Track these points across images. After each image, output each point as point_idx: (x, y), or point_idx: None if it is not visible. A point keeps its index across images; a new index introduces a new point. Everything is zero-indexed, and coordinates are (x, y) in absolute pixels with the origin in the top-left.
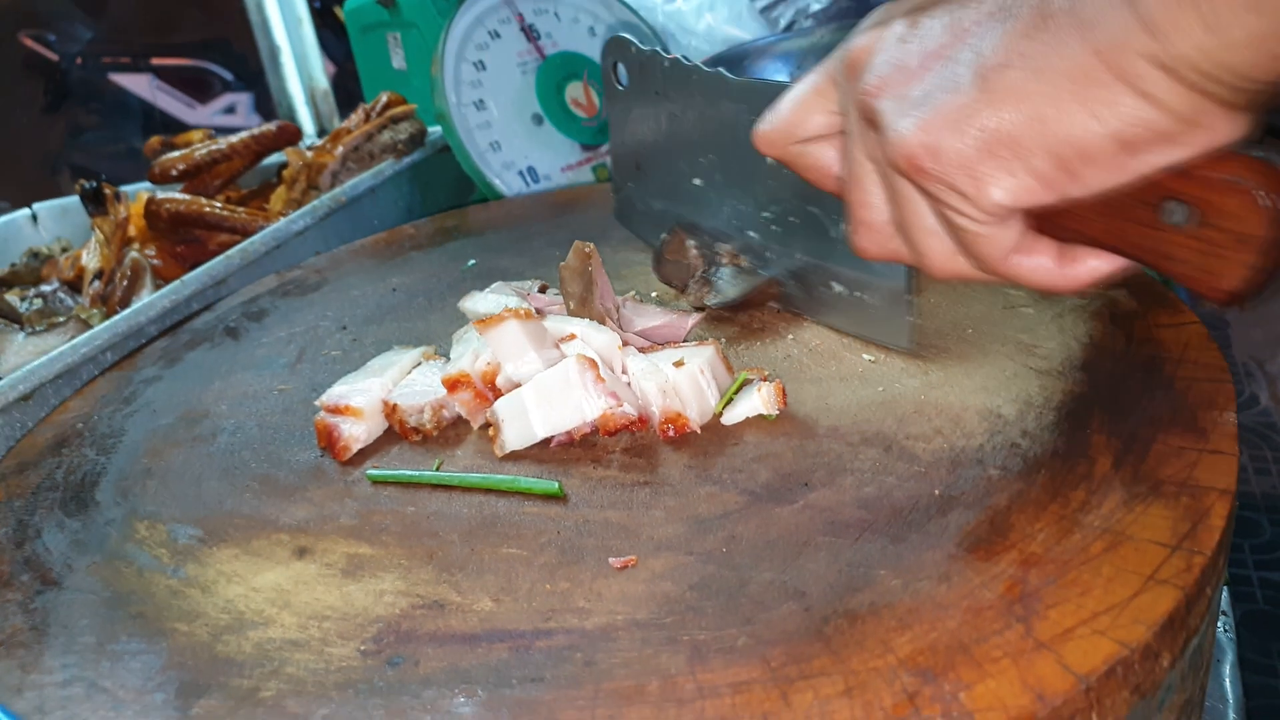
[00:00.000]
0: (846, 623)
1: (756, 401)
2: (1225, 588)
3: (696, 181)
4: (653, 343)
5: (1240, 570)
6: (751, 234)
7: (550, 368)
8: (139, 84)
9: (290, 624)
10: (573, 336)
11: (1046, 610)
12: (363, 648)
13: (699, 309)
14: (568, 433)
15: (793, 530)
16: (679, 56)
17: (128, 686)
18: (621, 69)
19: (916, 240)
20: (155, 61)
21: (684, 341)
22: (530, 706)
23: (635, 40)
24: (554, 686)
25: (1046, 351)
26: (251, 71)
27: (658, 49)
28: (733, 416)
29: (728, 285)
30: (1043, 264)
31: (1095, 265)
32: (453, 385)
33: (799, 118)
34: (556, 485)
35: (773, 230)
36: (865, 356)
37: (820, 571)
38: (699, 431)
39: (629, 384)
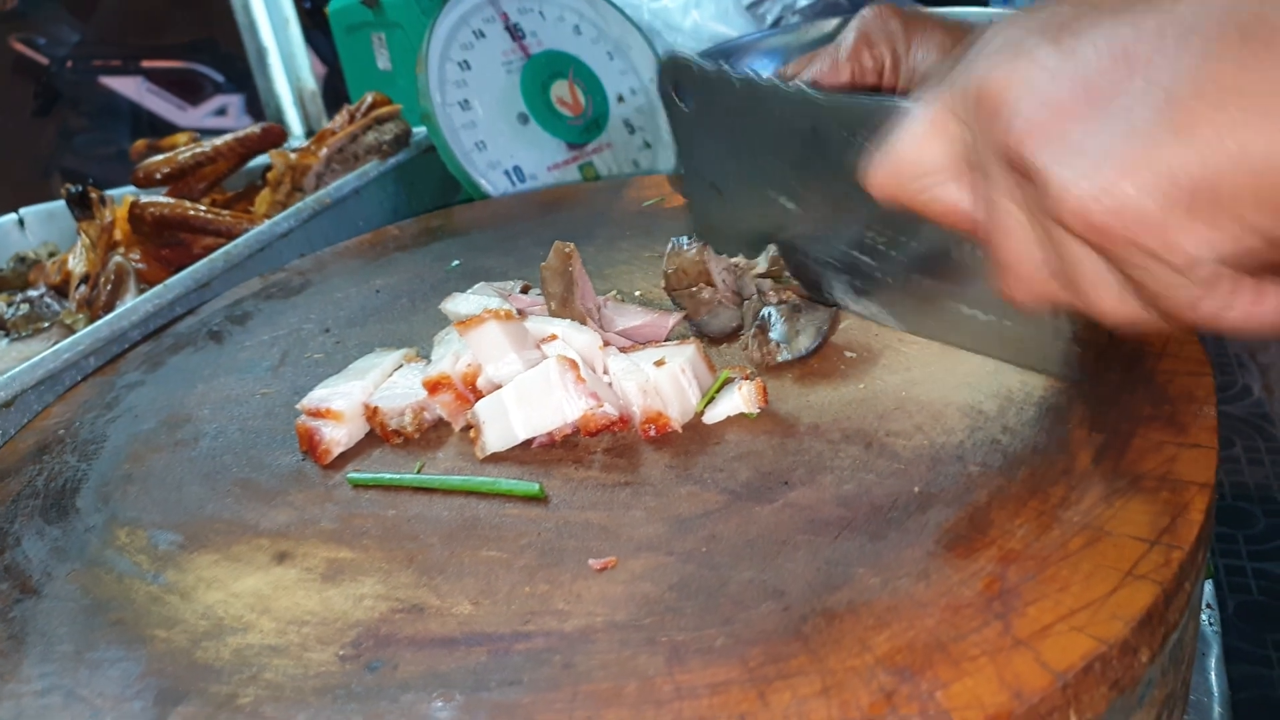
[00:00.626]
0: (824, 621)
1: (738, 400)
2: (1208, 581)
3: (787, 204)
4: (634, 342)
5: (1234, 561)
6: (859, 255)
7: (530, 369)
8: (129, 87)
9: (269, 629)
10: (554, 337)
11: (1025, 607)
12: (341, 652)
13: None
14: (549, 434)
15: (772, 529)
16: (750, 73)
17: (105, 694)
18: (684, 90)
19: (1086, 293)
20: (145, 64)
21: (665, 341)
22: (508, 710)
23: (695, 59)
24: (532, 689)
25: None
26: (242, 73)
27: (723, 66)
28: (714, 415)
29: (791, 331)
30: (1254, 311)
31: None
32: (433, 387)
33: (918, 158)
34: (537, 487)
35: (883, 252)
36: (847, 354)
37: (799, 570)
38: (680, 431)
39: (610, 384)
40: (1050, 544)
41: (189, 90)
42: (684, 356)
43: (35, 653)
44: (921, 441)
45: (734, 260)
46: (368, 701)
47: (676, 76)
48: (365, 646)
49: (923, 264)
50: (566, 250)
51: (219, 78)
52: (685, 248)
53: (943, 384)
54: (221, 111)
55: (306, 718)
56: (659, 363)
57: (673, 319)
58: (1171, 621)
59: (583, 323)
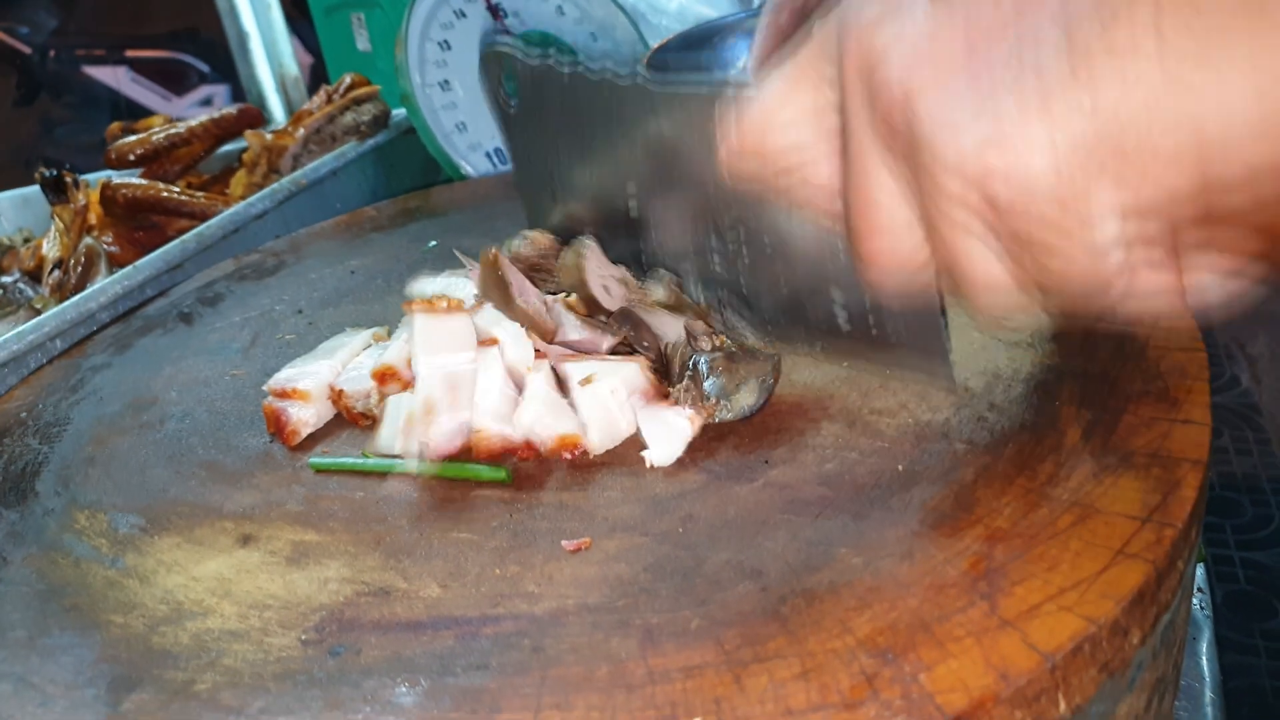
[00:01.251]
0: (804, 602)
1: (683, 431)
2: (1201, 564)
3: (632, 209)
4: (576, 352)
5: (1222, 550)
6: (717, 262)
7: (434, 373)
8: (113, 76)
9: (230, 614)
10: (494, 342)
11: (1012, 587)
12: (304, 637)
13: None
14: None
15: (752, 509)
16: (578, 65)
17: (57, 681)
18: (509, 88)
19: (967, 278)
20: (129, 53)
21: (607, 354)
22: (474, 695)
23: (518, 50)
24: (499, 674)
25: (1015, 323)
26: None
27: (550, 57)
28: (658, 457)
29: (730, 384)
30: (1160, 288)
31: (1223, 278)
32: (381, 377)
33: (778, 128)
34: (504, 471)
35: (744, 259)
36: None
37: (779, 550)
38: (594, 457)
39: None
40: (1038, 522)
41: (173, 80)
42: (618, 375)
43: None
44: (906, 420)
45: (619, 274)
46: (329, 687)
47: (501, 73)
48: (329, 631)
49: (788, 266)
50: (490, 257)
51: (204, 67)
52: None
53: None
54: (207, 101)
55: (265, 704)
56: (585, 380)
57: (610, 338)
58: (1164, 602)
59: (532, 323)
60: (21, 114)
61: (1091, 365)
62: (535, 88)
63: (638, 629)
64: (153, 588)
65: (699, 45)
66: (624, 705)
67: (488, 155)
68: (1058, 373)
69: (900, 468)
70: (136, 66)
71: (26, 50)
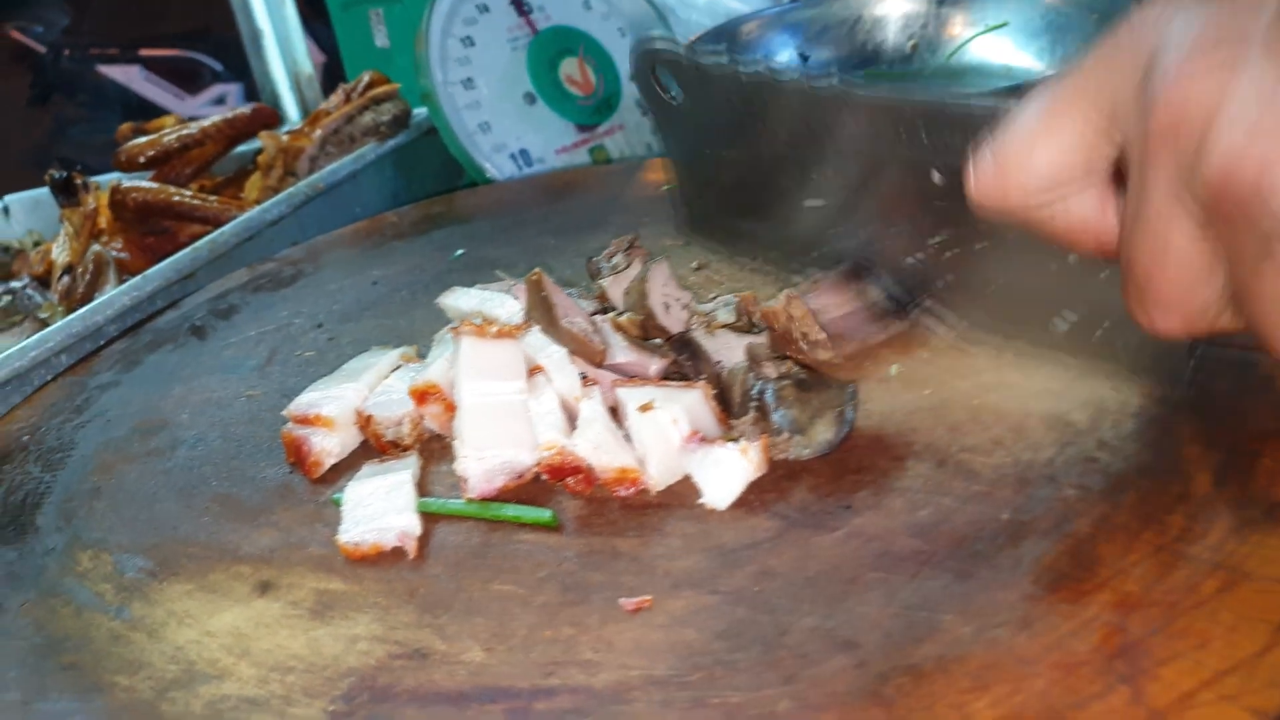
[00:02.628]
0: (910, 682)
1: (741, 468)
2: None
3: (812, 203)
4: (625, 377)
5: None
6: (912, 260)
7: (482, 400)
8: (127, 75)
9: (249, 677)
10: (538, 370)
11: (1156, 668)
12: (331, 708)
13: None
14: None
15: (837, 564)
16: (763, 65)
17: None
18: (667, 77)
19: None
20: (143, 52)
21: (662, 379)
22: None
23: (676, 51)
24: None
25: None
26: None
27: (724, 56)
28: (715, 498)
29: (803, 417)
30: None
31: None
32: (420, 396)
33: (1043, 162)
34: (550, 514)
35: (946, 257)
36: (891, 370)
37: (873, 616)
38: (652, 493)
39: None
40: (1176, 587)
41: (187, 79)
42: (681, 403)
43: None
44: (1004, 459)
45: (684, 298)
46: None
47: (658, 62)
48: (359, 701)
49: (1003, 269)
50: (534, 278)
51: (217, 66)
52: (613, 265)
53: (1021, 391)
54: (220, 100)
55: None
56: (644, 407)
57: (659, 360)
58: None
59: (577, 344)
60: (36, 113)
61: (1210, 399)
62: (702, 86)
63: (716, 709)
64: (162, 644)
65: (732, 40)
66: None
67: (512, 157)
68: (1171, 406)
69: (1005, 517)
70: (150, 65)
71: (40, 49)
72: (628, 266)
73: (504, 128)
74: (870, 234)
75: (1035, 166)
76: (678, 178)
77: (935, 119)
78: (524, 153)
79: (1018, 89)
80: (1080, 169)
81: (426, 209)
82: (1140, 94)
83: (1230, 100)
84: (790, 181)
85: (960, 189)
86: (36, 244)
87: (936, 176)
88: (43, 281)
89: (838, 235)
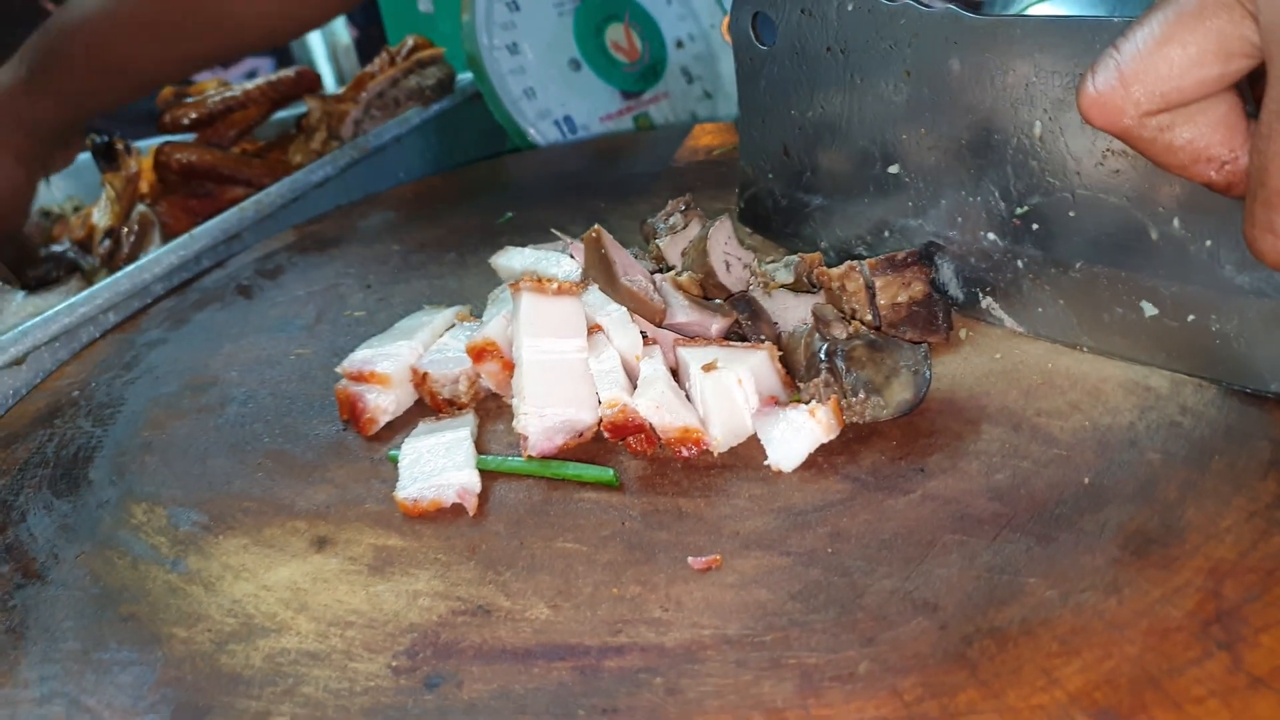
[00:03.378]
0: (994, 644)
1: (811, 432)
2: None
3: (892, 169)
4: (689, 337)
5: None
6: (991, 237)
7: (545, 357)
8: None
9: (308, 631)
10: (597, 329)
11: (1255, 635)
12: (394, 663)
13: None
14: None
15: (912, 526)
16: None
17: (115, 706)
18: (766, 21)
19: None
20: None
21: (728, 341)
22: None
23: None
24: (630, 719)
25: None
26: None
27: None
28: (783, 459)
29: (879, 377)
30: None
31: None
32: (478, 354)
33: (1175, 70)
34: (611, 473)
35: (1031, 232)
36: (961, 333)
37: (953, 579)
38: (714, 454)
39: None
40: (1273, 554)
41: None
42: (746, 364)
43: (36, 650)
44: (1081, 422)
45: (745, 257)
46: None
47: (760, 3)
48: (422, 657)
49: (1089, 246)
50: (594, 235)
51: None
52: (671, 224)
53: (1093, 354)
54: (252, 74)
55: None
56: (708, 367)
57: (720, 320)
58: None
59: (636, 301)
60: None
61: None
62: (798, 26)
63: (793, 670)
64: (219, 596)
65: None
66: None
67: (556, 124)
68: None
69: (1086, 480)
70: None
71: None
72: (685, 227)
73: (549, 94)
74: (951, 206)
75: (1165, 70)
76: (748, 147)
77: (1047, 49)
78: (568, 119)
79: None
80: (1215, 72)
81: (472, 172)
82: None
83: None
84: (872, 141)
85: (1061, 141)
86: (76, 209)
87: (1038, 127)
88: (84, 246)
89: (915, 209)
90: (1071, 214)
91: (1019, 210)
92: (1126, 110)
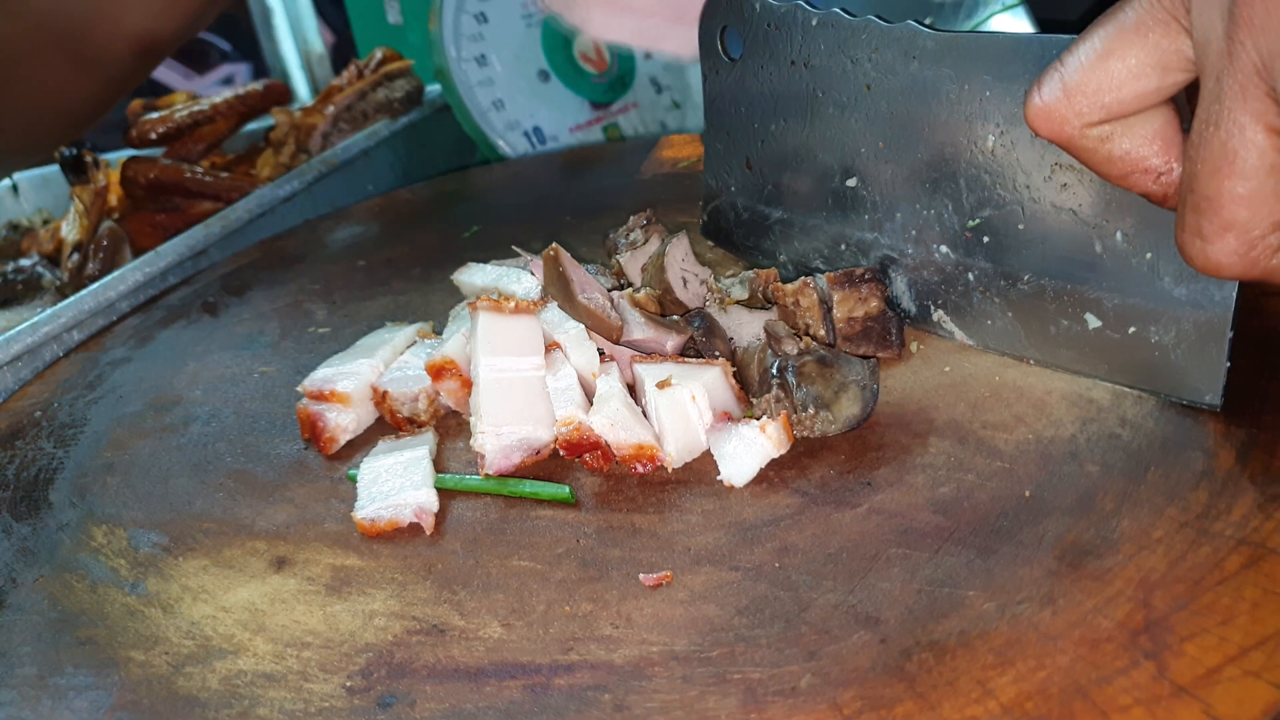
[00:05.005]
0: (932, 657)
1: (761, 448)
2: None
3: (850, 182)
4: (646, 353)
5: None
6: (944, 249)
7: (499, 375)
8: None
9: (265, 653)
10: (555, 347)
11: (1181, 644)
12: (349, 683)
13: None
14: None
15: (858, 540)
16: (837, 8)
17: None
18: (733, 35)
19: None
20: None
21: (684, 357)
22: None
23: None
24: None
25: None
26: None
27: (797, 3)
28: (734, 475)
29: (828, 392)
30: None
31: None
32: (437, 372)
33: (1115, 83)
34: (567, 490)
35: (983, 245)
36: (912, 346)
37: (895, 592)
38: (669, 470)
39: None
40: (1200, 564)
41: (195, 58)
42: (700, 380)
43: None
44: (1025, 435)
45: (702, 274)
46: None
47: (728, 19)
48: (377, 676)
49: (1038, 259)
50: (552, 254)
51: (226, 46)
52: (631, 240)
53: (1040, 369)
54: (228, 80)
55: None
56: (663, 384)
57: (676, 336)
58: None
59: (594, 318)
60: None
61: (1231, 375)
62: (765, 39)
63: (737, 685)
64: (177, 618)
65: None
66: None
67: (526, 135)
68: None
69: (1027, 493)
70: None
71: None
72: (645, 242)
73: (518, 105)
74: (906, 219)
75: (1106, 82)
76: (712, 159)
77: (1005, 64)
78: (537, 130)
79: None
80: (1153, 84)
81: (440, 186)
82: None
83: None
84: (832, 154)
85: (1012, 155)
86: (46, 222)
87: (991, 140)
88: (52, 259)
89: (871, 222)
90: (1021, 227)
91: (971, 223)
92: (1070, 120)
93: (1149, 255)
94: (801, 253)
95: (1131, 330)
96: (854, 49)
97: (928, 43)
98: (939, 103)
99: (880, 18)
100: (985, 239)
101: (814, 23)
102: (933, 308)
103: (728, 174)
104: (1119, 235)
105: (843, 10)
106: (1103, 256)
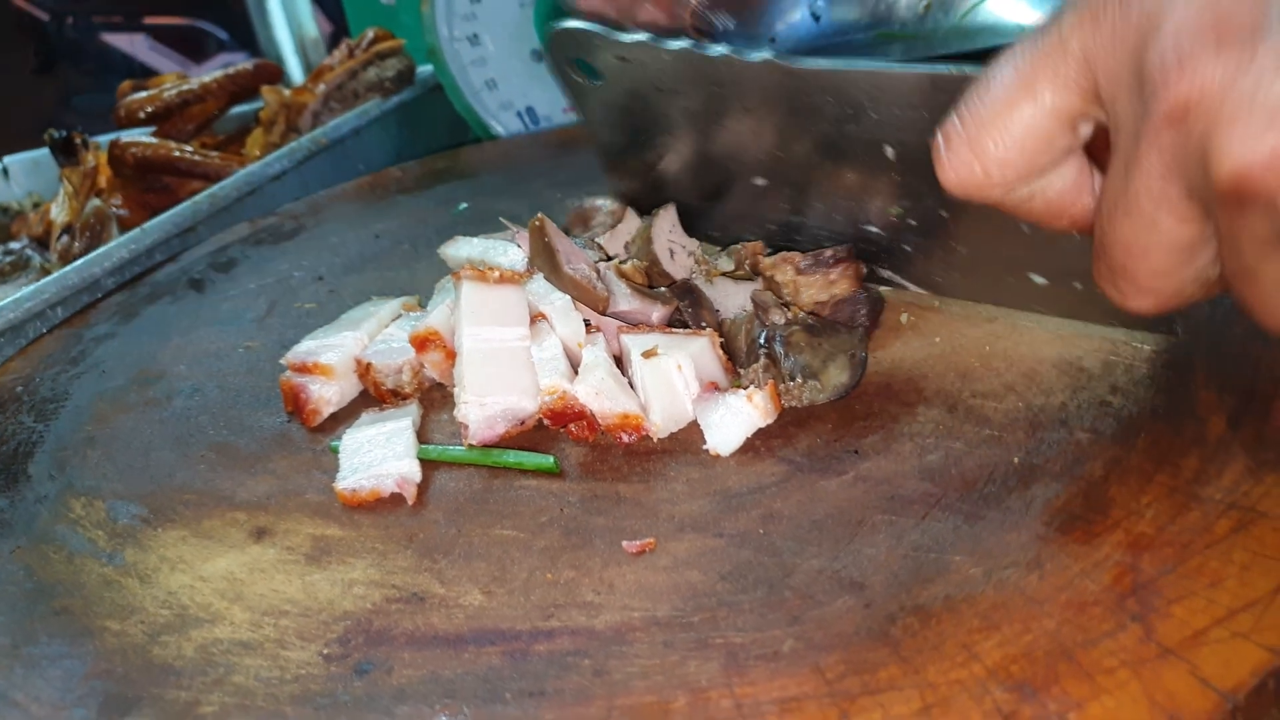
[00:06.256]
0: (917, 621)
1: (749, 417)
2: None
3: (758, 181)
4: (632, 324)
5: None
6: (872, 228)
7: (484, 346)
8: (132, 44)
9: (241, 621)
10: (540, 317)
11: (1168, 606)
12: (326, 651)
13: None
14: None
15: (843, 506)
16: (687, 44)
17: (43, 700)
18: (586, 65)
19: (1265, 288)
20: (148, 20)
21: (670, 328)
22: None
23: (598, 30)
24: (557, 702)
25: None
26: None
27: (644, 39)
28: (721, 443)
29: (815, 362)
30: None
31: None
32: (421, 343)
33: (1032, 143)
34: (551, 460)
35: (910, 226)
36: (902, 318)
37: (880, 558)
38: (654, 440)
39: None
40: (1190, 528)
41: (193, 48)
42: (686, 351)
43: None
44: (1015, 403)
45: (690, 246)
46: (356, 713)
47: (574, 50)
48: (354, 644)
49: (969, 238)
50: (537, 224)
51: (223, 35)
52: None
53: (1032, 338)
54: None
55: None
56: (648, 353)
57: (662, 307)
58: None
59: (580, 289)
60: (39, 82)
61: (1224, 343)
62: (624, 68)
63: (719, 650)
64: (154, 588)
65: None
66: None
67: (519, 115)
68: (1185, 351)
69: (1015, 460)
70: (155, 34)
71: (44, 17)
72: (617, 223)
73: (511, 85)
74: (827, 208)
75: (1012, 142)
76: (605, 156)
77: (884, 92)
78: (530, 110)
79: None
80: (1061, 142)
81: (431, 164)
82: (1134, 67)
83: (1246, 83)
84: (731, 158)
85: (915, 161)
86: (36, 205)
87: (890, 151)
88: (42, 242)
89: (792, 209)
90: (944, 213)
91: (893, 210)
92: (982, 179)
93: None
94: (731, 230)
95: (1078, 286)
96: (717, 78)
97: (796, 76)
98: (826, 123)
99: (738, 52)
100: (911, 222)
101: (666, 58)
102: (880, 269)
103: (627, 167)
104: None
105: (694, 46)
106: (1032, 233)
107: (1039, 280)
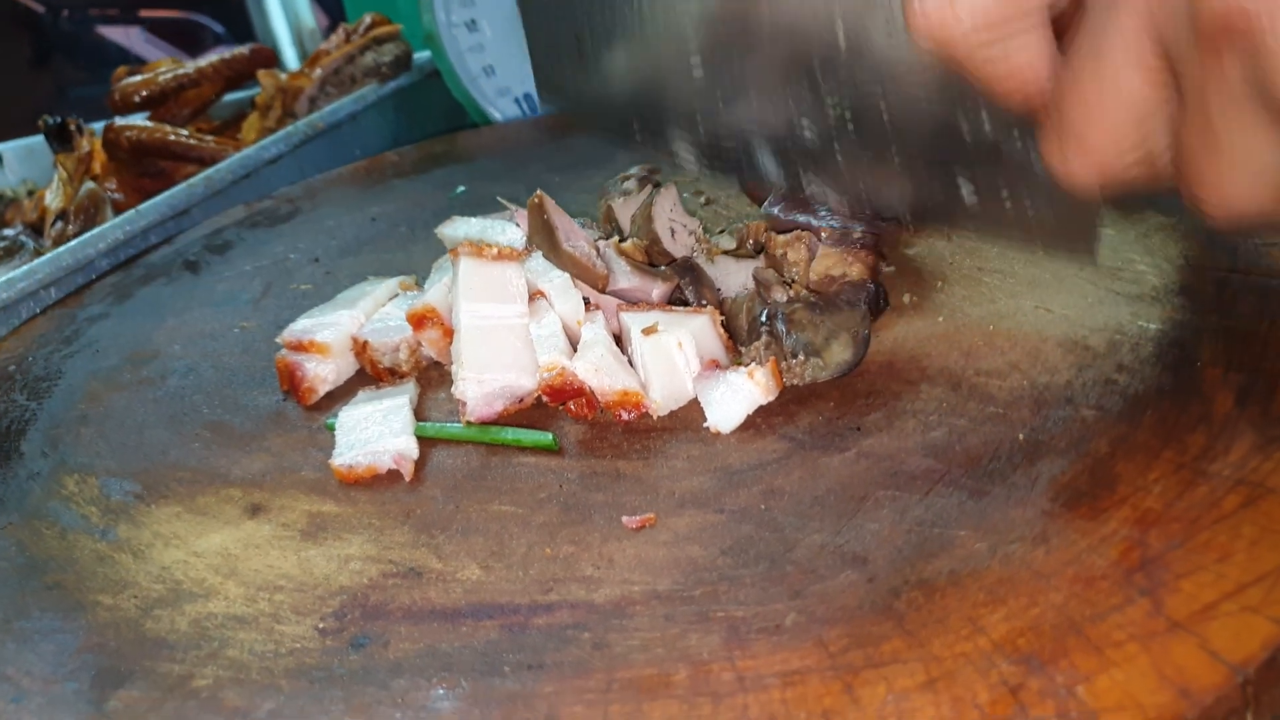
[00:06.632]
0: (922, 595)
1: (750, 394)
2: None
3: (696, 69)
4: (631, 302)
5: None
6: (807, 125)
7: (481, 322)
8: (128, 37)
9: (236, 596)
10: (539, 295)
11: (1177, 581)
12: (321, 625)
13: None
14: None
15: (846, 482)
16: None
17: (34, 674)
18: None
19: (1225, 170)
20: (144, 13)
21: (671, 305)
22: (526, 700)
23: None
24: (556, 675)
25: (1134, 274)
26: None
27: None
28: (721, 420)
29: (818, 339)
30: None
31: None
32: (418, 321)
33: (1005, 1)
34: (550, 437)
35: (847, 123)
36: (905, 298)
37: (884, 533)
38: (654, 417)
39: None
40: (1197, 503)
41: (188, 41)
42: (687, 328)
43: None
44: (1019, 381)
45: (691, 224)
46: (351, 687)
47: None
48: (350, 618)
49: (905, 137)
50: (536, 201)
51: (219, 28)
52: (624, 188)
53: (1036, 316)
54: None
55: (275, 706)
56: (648, 330)
57: (662, 285)
58: None
59: (579, 267)
60: (35, 75)
61: (1232, 321)
62: None
63: (720, 623)
64: (148, 564)
65: None
66: (711, 718)
67: (517, 101)
68: (1193, 330)
69: (1020, 437)
70: (150, 27)
71: (39, 9)
72: (639, 191)
73: (509, 71)
74: (763, 101)
75: (1007, 11)
76: (536, 48)
77: None
78: (528, 97)
79: None
80: (1036, 8)
81: (428, 148)
82: None
83: None
84: (672, 41)
85: (866, 51)
86: (30, 193)
87: (840, 37)
88: (36, 229)
89: (725, 98)
90: (884, 108)
91: (831, 101)
92: (953, 29)
93: (1016, 134)
94: (655, 131)
95: (1005, 199)
96: None
97: None
98: (774, 5)
99: None
100: (848, 119)
101: None
102: (804, 177)
103: (559, 57)
104: (984, 116)
105: None
106: (970, 138)
107: (969, 195)
